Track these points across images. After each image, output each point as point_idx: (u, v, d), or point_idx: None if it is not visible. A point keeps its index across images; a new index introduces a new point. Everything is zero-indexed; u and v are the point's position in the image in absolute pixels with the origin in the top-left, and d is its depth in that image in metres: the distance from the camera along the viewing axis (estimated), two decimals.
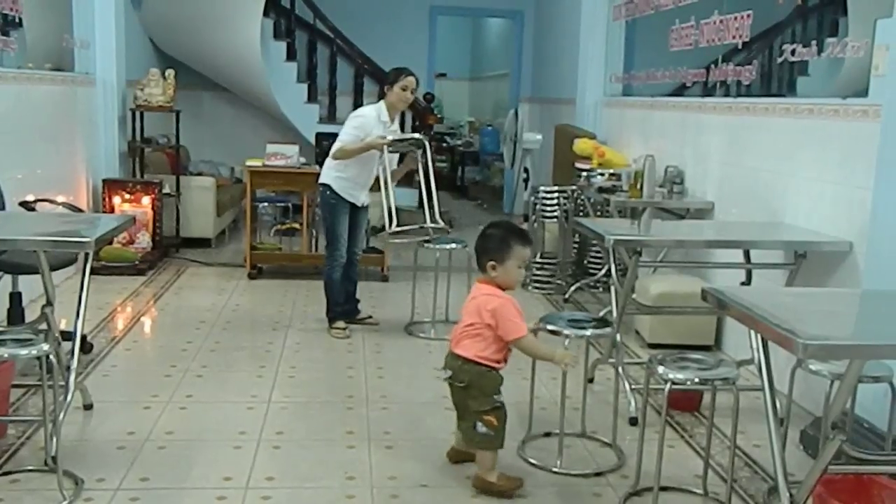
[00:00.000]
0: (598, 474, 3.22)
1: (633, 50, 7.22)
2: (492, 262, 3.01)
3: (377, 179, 4.91)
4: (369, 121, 4.79)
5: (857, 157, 3.70)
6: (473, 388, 2.99)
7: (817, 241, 3.86)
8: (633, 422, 3.70)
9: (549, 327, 3.28)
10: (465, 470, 3.17)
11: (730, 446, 3.51)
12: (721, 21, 5.17)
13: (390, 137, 4.77)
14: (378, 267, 6.33)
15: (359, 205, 4.98)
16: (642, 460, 3.06)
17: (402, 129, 5.52)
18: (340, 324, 4.96)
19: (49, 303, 3.35)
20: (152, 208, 6.66)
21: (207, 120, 9.04)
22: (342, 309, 5.05)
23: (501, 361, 3.05)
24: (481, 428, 2.98)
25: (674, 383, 2.78)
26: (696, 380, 2.82)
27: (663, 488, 2.96)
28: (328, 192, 4.87)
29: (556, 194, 6.19)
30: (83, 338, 4.06)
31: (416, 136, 5.03)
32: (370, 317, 5.20)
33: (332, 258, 4.93)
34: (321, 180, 4.92)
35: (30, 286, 4.23)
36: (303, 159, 6.31)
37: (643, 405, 3.10)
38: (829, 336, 2.26)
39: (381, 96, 4.91)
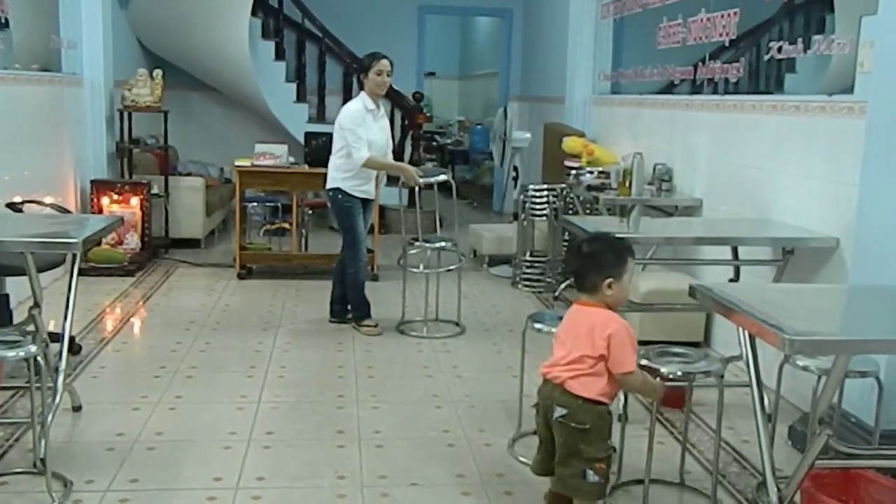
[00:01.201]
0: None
1: (622, 48, 7.24)
2: (610, 279, 2.61)
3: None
4: (357, 114, 4.85)
5: (844, 153, 3.72)
6: (594, 433, 2.55)
7: (804, 238, 3.89)
8: (622, 418, 3.70)
9: (537, 325, 3.28)
10: (455, 468, 3.17)
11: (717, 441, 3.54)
12: (708, 19, 5.19)
13: (422, 180, 4.97)
14: (368, 266, 6.31)
15: (370, 198, 5.03)
16: (627, 454, 3.07)
17: (392, 127, 5.54)
18: (370, 321, 5.01)
19: (37, 304, 3.34)
20: (141, 209, 6.64)
21: (196, 120, 9.02)
22: (339, 307, 5.10)
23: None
24: (592, 477, 2.55)
25: (666, 379, 2.79)
26: (680, 373, 2.81)
27: (639, 481, 2.96)
28: (340, 196, 4.92)
29: (545, 192, 6.19)
30: (71, 339, 4.05)
31: (444, 177, 5.18)
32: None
33: (357, 259, 4.98)
34: (329, 185, 4.95)
35: (18, 288, 4.21)
36: (292, 159, 6.30)
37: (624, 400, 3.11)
38: (816, 331, 2.27)
39: (361, 86, 4.97)
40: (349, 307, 5.16)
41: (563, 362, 2.60)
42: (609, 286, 2.61)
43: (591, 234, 2.92)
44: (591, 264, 2.64)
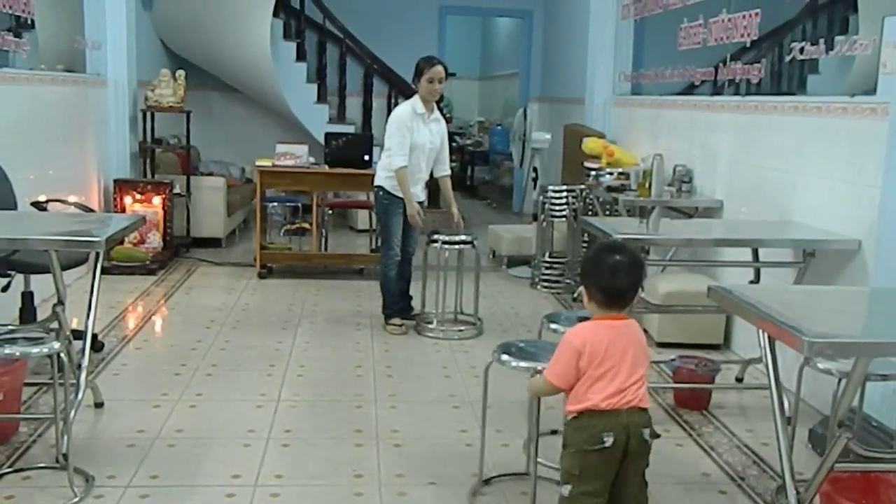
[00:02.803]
0: None
1: (642, 49, 7.22)
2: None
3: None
4: (405, 117, 4.86)
5: (866, 155, 3.69)
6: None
7: (826, 240, 3.85)
8: None
9: (553, 326, 3.28)
10: (472, 468, 3.18)
11: (738, 445, 3.53)
12: (729, 19, 5.16)
13: (444, 238, 5.02)
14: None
15: (417, 201, 4.99)
16: (649, 458, 3.05)
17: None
18: (396, 320, 5.04)
19: (60, 302, 3.38)
20: (163, 208, 6.70)
21: (218, 120, 9.08)
22: (399, 307, 5.12)
23: None
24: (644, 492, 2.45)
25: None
26: None
27: None
28: (381, 193, 4.97)
29: (564, 193, 6.18)
30: (94, 336, 4.09)
31: (466, 238, 5.12)
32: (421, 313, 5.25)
33: (387, 256, 5.01)
34: (375, 182, 5.03)
35: (42, 285, 4.26)
36: (312, 159, 6.33)
37: None
38: (835, 334, 2.26)
39: (413, 91, 5.00)
40: (412, 303, 5.24)
41: (631, 382, 2.34)
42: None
43: (621, 244, 2.69)
44: (638, 280, 2.45)
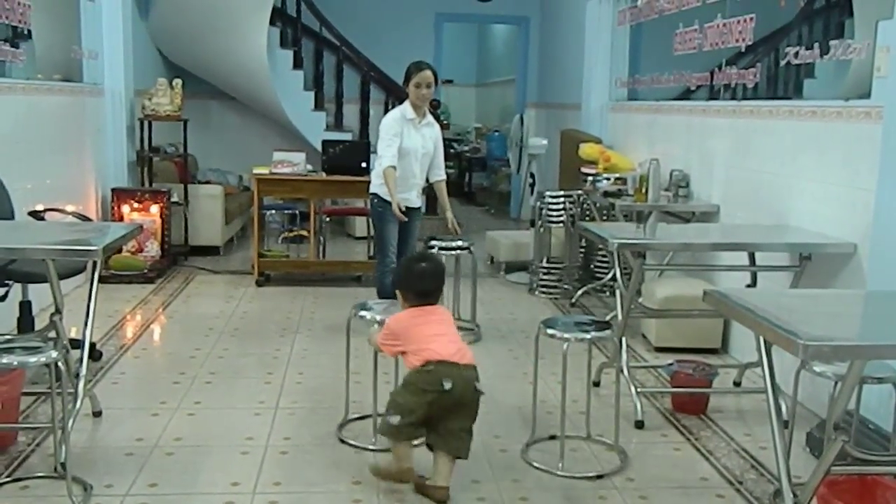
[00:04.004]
0: (600, 477, 3.22)
1: (638, 54, 7.23)
2: None
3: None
4: (394, 122, 4.86)
5: (861, 158, 3.70)
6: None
7: (822, 244, 3.86)
8: (639, 425, 3.71)
9: (550, 331, 3.28)
10: (470, 475, 3.18)
11: (735, 448, 3.53)
12: (724, 24, 5.18)
13: (441, 244, 5.05)
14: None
15: (410, 206, 4.96)
16: (646, 462, 3.06)
17: None
18: None
19: (58, 311, 3.38)
20: (161, 217, 6.70)
21: (215, 128, 9.09)
22: None
23: None
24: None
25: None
26: None
27: None
28: (376, 200, 4.96)
29: (562, 199, 6.20)
30: (92, 345, 4.09)
31: (463, 244, 5.13)
32: None
33: (382, 264, 5.00)
34: (370, 190, 5.03)
35: (39, 295, 4.27)
36: (309, 167, 6.34)
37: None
38: (831, 337, 2.27)
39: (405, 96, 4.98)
40: None
41: (457, 340, 3.06)
42: None
43: (428, 254, 3.69)
44: (444, 279, 3.23)
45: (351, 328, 3.63)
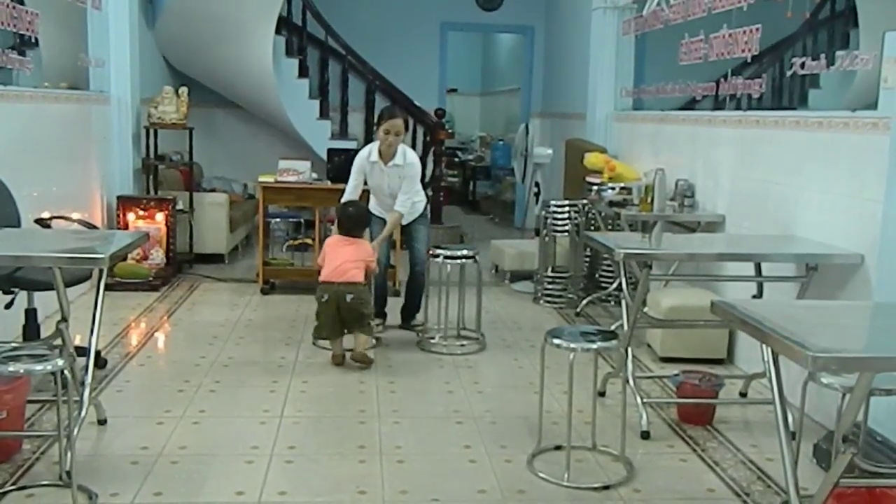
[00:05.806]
0: (606, 487, 3.21)
1: (643, 64, 7.24)
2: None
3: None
4: (361, 160, 5.06)
5: (868, 169, 3.70)
6: (368, 301, 4.65)
7: (828, 254, 3.85)
8: (645, 435, 3.70)
9: (556, 341, 3.28)
10: (477, 484, 3.17)
11: (742, 460, 3.52)
12: (730, 35, 5.18)
13: (445, 252, 5.13)
14: (389, 281, 6.33)
15: (382, 216, 5.16)
16: (652, 473, 3.05)
17: (414, 144, 5.63)
18: (376, 320, 5.16)
19: (64, 319, 3.38)
20: (166, 225, 6.71)
21: (220, 137, 9.11)
22: (378, 309, 5.25)
23: None
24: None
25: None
26: None
27: None
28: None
29: (567, 208, 6.20)
30: (97, 353, 4.09)
31: (468, 252, 5.16)
32: (421, 324, 5.37)
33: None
34: None
35: (45, 302, 4.27)
36: (315, 175, 6.35)
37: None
38: (839, 349, 2.26)
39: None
40: (411, 314, 5.46)
41: (344, 268, 4.50)
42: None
43: (356, 202, 4.93)
44: (364, 222, 4.82)
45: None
